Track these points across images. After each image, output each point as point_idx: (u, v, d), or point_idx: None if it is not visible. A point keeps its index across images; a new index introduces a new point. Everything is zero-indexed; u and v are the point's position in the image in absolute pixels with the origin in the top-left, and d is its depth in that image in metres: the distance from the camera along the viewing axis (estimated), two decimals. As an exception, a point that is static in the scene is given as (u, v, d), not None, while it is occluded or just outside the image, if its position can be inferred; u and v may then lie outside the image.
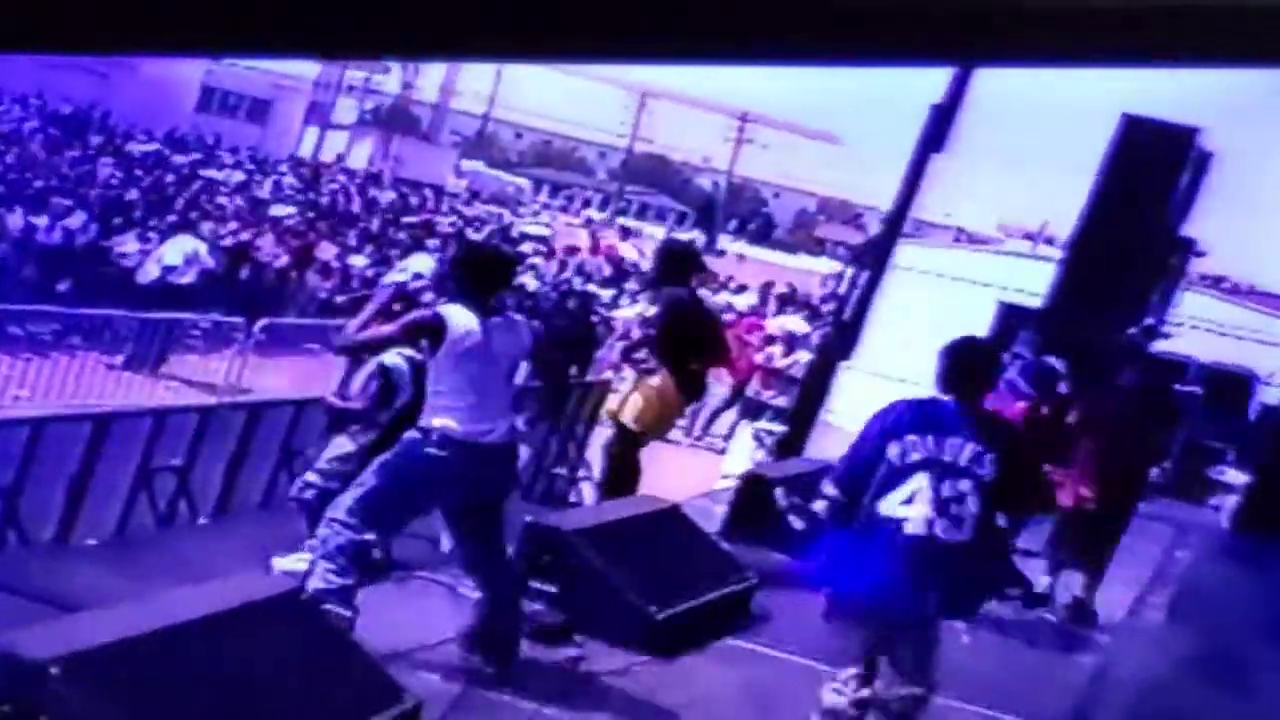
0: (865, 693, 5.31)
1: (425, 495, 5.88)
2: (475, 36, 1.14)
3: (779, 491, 8.65)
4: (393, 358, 7.58)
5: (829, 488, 5.51)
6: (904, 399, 5.62)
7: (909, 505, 5.24)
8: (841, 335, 13.00)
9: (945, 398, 5.42)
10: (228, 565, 7.29)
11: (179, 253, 16.24)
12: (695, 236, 45.32)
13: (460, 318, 5.80)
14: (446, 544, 6.14)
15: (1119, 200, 13.94)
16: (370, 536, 5.79)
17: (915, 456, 5.28)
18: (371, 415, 7.56)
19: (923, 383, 16.65)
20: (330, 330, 16.58)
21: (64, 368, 13.90)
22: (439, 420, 5.76)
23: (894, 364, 16.66)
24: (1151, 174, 13.74)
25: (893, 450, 5.31)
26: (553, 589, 6.37)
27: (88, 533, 8.55)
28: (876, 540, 5.25)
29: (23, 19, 1.21)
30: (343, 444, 7.57)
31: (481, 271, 6.02)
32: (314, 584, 5.85)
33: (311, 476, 7.55)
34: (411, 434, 5.86)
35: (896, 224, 13.73)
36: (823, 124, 51.63)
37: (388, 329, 6.01)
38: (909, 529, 5.22)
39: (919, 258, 18.33)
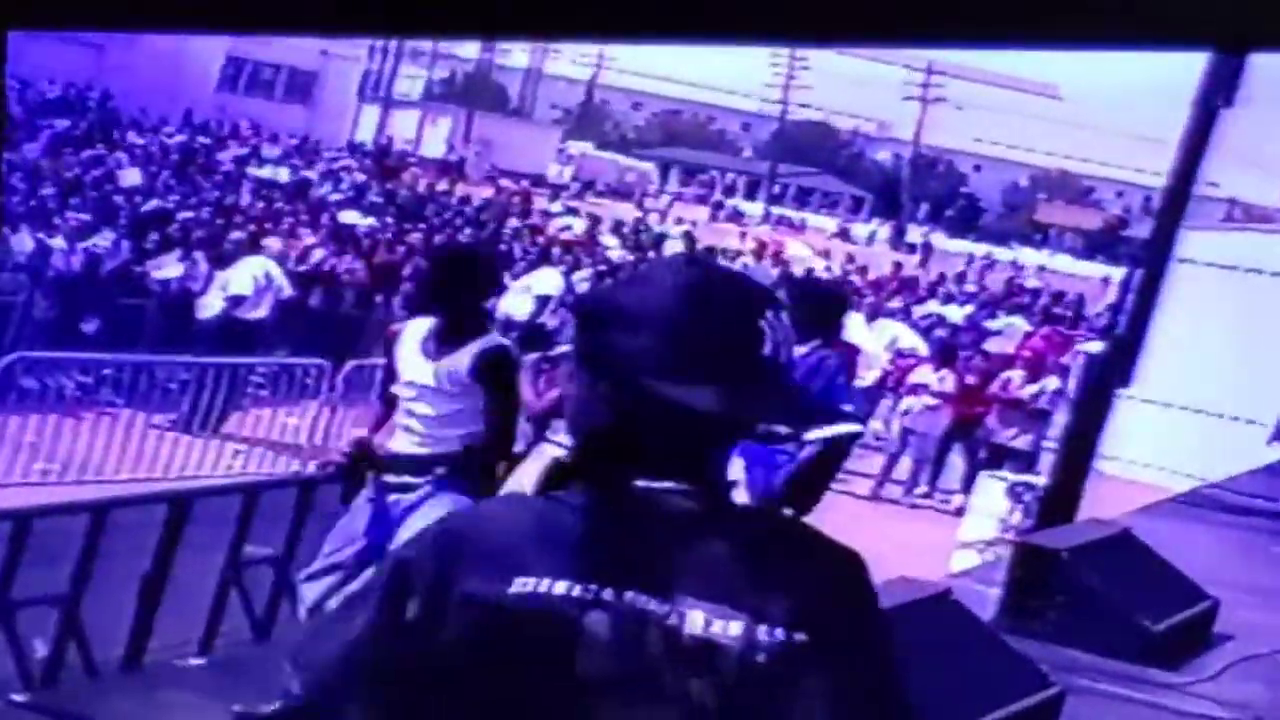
0: None
1: None
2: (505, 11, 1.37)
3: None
4: None
5: None
6: None
7: None
8: (1118, 355, 12.78)
9: None
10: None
11: (249, 278, 16.33)
12: (876, 227, 45.03)
13: None
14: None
15: None
16: None
17: None
18: None
19: (1225, 411, 16.38)
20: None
21: (102, 432, 14.07)
22: None
23: (1187, 390, 16.45)
24: None
25: None
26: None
27: (167, 648, 8.60)
28: None
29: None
30: None
31: None
32: None
33: None
34: None
35: (1179, 202, 13.55)
36: (1033, 72, 51.17)
37: None
38: None
39: (1194, 245, 17.99)
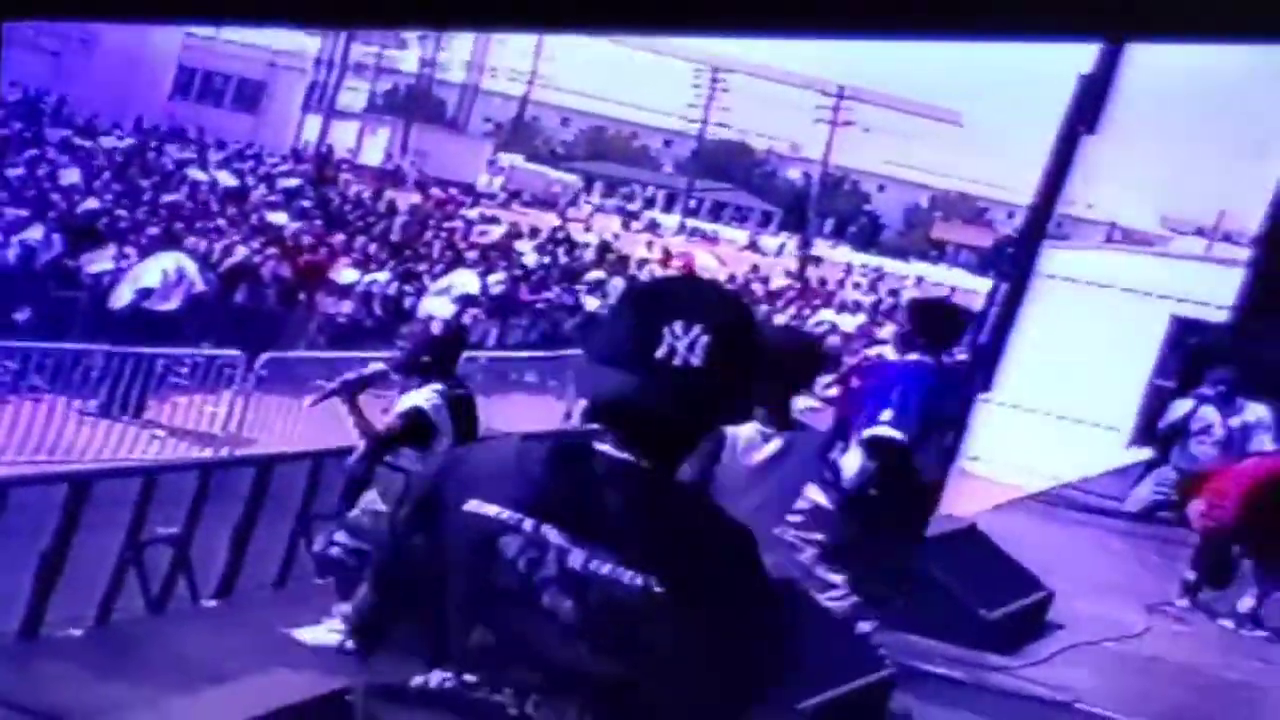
0: None
1: None
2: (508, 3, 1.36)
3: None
4: (428, 398, 7.58)
5: None
6: None
7: None
8: (979, 362, 12.85)
9: None
10: (238, 657, 7.27)
11: (159, 272, 16.34)
12: (784, 241, 45.29)
13: None
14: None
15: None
16: None
17: None
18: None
19: (1086, 418, 16.48)
20: (352, 364, 16.63)
21: (26, 416, 13.98)
22: None
23: (1045, 396, 16.57)
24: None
25: None
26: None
27: (63, 621, 8.53)
28: None
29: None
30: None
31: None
32: None
33: (340, 536, 7.55)
34: None
35: (1041, 221, 13.59)
36: (936, 99, 51.41)
37: None
38: None
39: (1069, 263, 18.20)
